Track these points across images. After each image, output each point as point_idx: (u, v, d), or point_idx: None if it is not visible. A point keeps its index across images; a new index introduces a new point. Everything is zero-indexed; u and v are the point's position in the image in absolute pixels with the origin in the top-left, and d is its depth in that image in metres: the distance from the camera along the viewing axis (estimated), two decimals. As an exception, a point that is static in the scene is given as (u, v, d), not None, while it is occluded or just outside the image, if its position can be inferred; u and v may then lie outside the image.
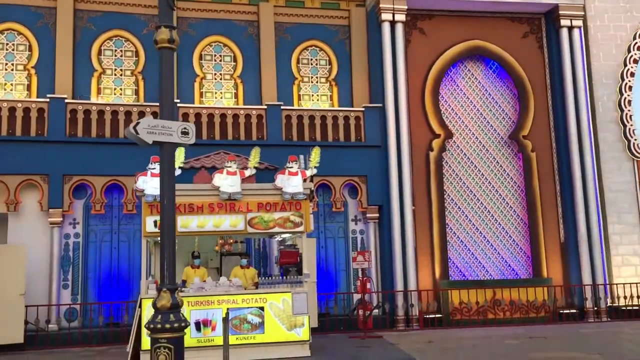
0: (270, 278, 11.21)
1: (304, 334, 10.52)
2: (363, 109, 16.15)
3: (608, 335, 12.90)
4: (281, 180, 10.97)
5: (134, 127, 5.57)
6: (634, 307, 15.66)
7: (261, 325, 10.38)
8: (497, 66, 17.16)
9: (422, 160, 16.11)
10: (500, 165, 16.88)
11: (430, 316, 15.02)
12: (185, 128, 5.79)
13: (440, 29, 16.75)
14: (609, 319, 15.49)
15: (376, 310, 14.57)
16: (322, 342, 11.97)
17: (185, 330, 5.55)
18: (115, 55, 15.87)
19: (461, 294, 15.22)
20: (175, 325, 5.39)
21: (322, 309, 14.62)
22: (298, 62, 16.86)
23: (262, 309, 10.43)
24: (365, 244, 15.87)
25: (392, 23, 16.14)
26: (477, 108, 17.00)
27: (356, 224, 16.07)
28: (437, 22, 16.83)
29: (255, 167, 11.33)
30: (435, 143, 16.23)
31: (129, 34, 15.86)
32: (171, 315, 5.43)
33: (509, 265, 16.46)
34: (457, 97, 16.99)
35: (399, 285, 15.10)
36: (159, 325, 5.38)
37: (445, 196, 16.24)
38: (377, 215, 15.84)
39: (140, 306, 10.01)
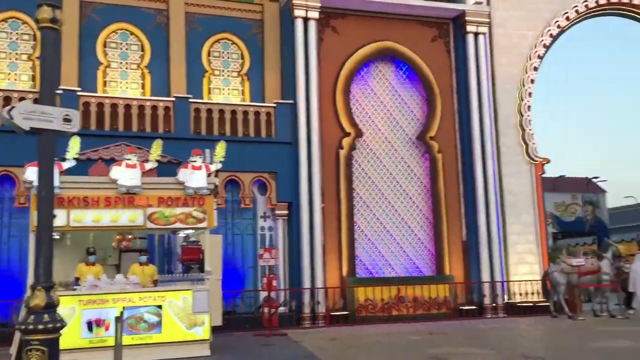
0: (170, 275, 10.84)
1: (204, 332, 10.24)
2: (274, 104, 15.99)
3: (504, 330, 13.44)
4: (184, 174, 10.62)
5: (9, 112, 5.11)
6: (529, 304, 16.45)
7: (159, 324, 10.02)
8: (407, 68, 17.49)
9: (332, 158, 16.15)
10: (408, 165, 17.21)
11: (337, 313, 15.10)
12: (67, 115, 5.37)
13: (353, 28, 16.85)
14: (505, 315, 16.17)
15: (282, 308, 14.47)
16: (225, 340, 11.73)
17: (62, 332, 5.16)
18: (11, 38, 14.85)
19: (367, 291, 15.42)
20: (50, 326, 4.99)
21: (228, 307, 14.32)
22: (209, 55, 16.48)
23: (160, 307, 10.07)
24: (274, 241, 15.72)
25: (305, 20, 16.09)
26: (387, 108, 17.25)
27: (265, 220, 15.89)
28: (350, 22, 16.92)
29: (157, 160, 10.91)
30: (346, 141, 16.33)
31: (26, 17, 14.88)
32: (45, 316, 5.02)
33: (414, 262, 16.83)
34: (368, 96, 17.18)
35: (307, 283, 15.08)
36: (31, 326, 4.97)
37: (354, 194, 16.38)
38: (287, 212, 15.74)
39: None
